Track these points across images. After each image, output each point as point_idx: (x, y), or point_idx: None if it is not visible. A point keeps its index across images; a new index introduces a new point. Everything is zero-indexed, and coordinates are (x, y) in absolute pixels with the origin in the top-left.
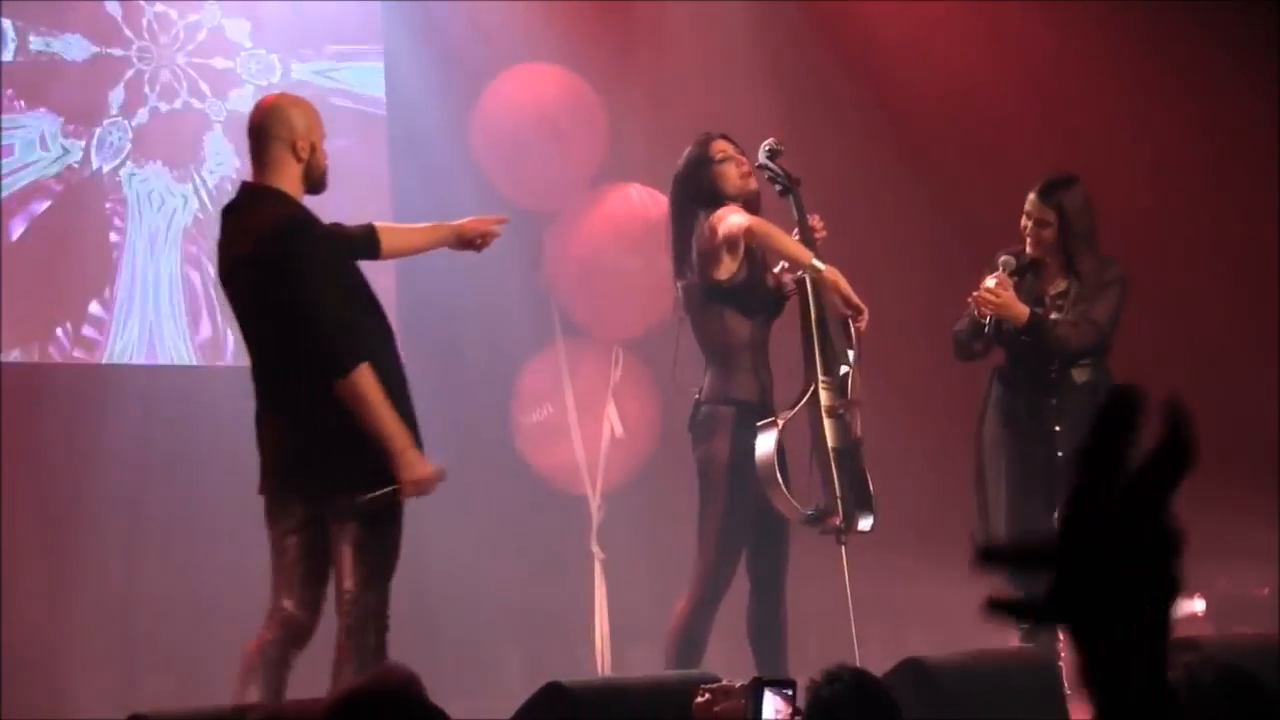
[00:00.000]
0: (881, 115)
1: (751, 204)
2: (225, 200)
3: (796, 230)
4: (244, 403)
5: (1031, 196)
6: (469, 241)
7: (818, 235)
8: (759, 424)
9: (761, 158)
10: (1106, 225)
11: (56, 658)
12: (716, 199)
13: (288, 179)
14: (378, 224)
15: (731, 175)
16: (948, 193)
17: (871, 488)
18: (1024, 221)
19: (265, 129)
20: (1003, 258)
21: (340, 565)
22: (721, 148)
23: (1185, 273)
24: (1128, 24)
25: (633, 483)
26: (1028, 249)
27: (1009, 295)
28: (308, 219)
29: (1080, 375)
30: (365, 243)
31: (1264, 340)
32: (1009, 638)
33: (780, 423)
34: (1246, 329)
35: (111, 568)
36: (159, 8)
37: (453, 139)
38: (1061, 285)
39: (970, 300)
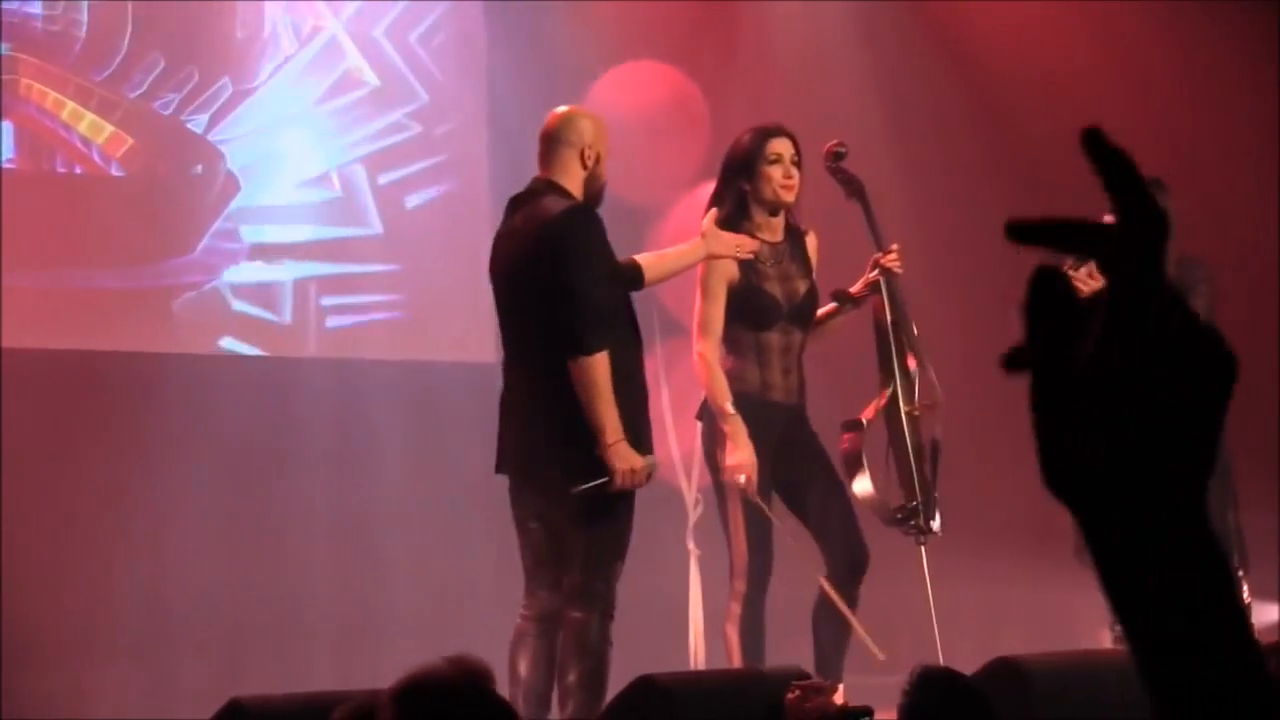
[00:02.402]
0: (984, 116)
1: (781, 216)
2: None
3: (869, 232)
4: (249, 391)
5: None
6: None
7: (895, 268)
8: (843, 422)
9: (828, 162)
10: (1199, 223)
11: (72, 649)
12: (746, 199)
13: (572, 182)
14: (638, 257)
15: (774, 179)
16: (1039, 191)
17: (937, 492)
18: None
19: (557, 134)
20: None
21: (569, 555)
22: (778, 149)
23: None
24: (1225, 22)
25: None
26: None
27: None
28: (593, 212)
29: None
30: (630, 276)
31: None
32: (1102, 638)
33: (864, 422)
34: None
35: (135, 558)
36: None
37: None
38: None
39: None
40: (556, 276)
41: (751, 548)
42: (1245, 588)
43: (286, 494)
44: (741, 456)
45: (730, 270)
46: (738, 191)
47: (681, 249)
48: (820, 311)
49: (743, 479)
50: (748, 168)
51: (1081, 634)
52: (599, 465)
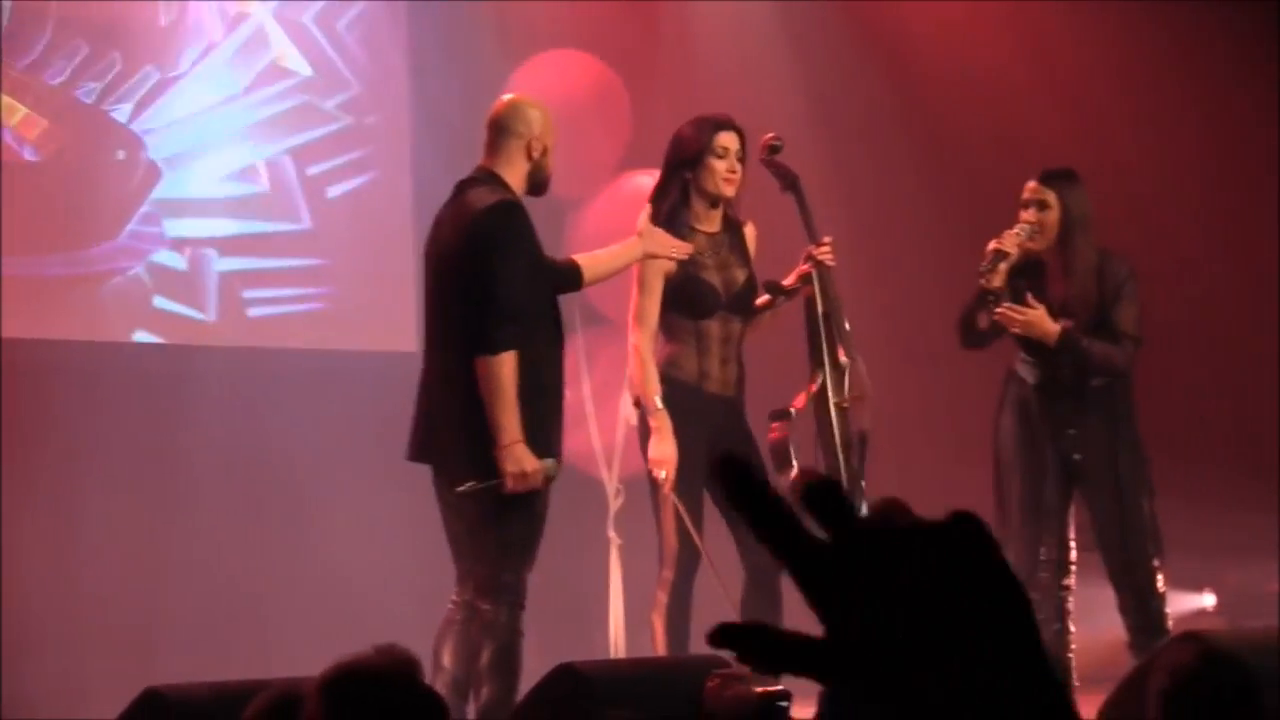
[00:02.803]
0: (903, 110)
1: (720, 208)
2: None
3: (803, 225)
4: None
5: (1031, 182)
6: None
7: (828, 260)
8: (771, 412)
9: (763, 154)
10: (1118, 219)
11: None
12: (687, 189)
13: (514, 173)
14: (576, 258)
15: (718, 172)
16: (968, 188)
17: (864, 484)
18: (1022, 213)
19: (505, 124)
20: (1001, 242)
21: (478, 546)
22: (725, 142)
23: (1191, 265)
24: (1148, 22)
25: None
26: (1023, 242)
27: (1037, 312)
28: (519, 209)
29: (1097, 379)
30: (569, 275)
31: (1273, 334)
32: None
33: (793, 411)
34: (1260, 317)
35: (119, 547)
36: None
37: (476, 125)
38: (1080, 288)
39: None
40: (474, 272)
41: (680, 540)
42: (1161, 578)
43: (202, 483)
44: (663, 451)
45: (667, 262)
46: (681, 181)
47: (616, 249)
48: (755, 303)
49: (662, 474)
50: (693, 159)
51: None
52: (490, 465)
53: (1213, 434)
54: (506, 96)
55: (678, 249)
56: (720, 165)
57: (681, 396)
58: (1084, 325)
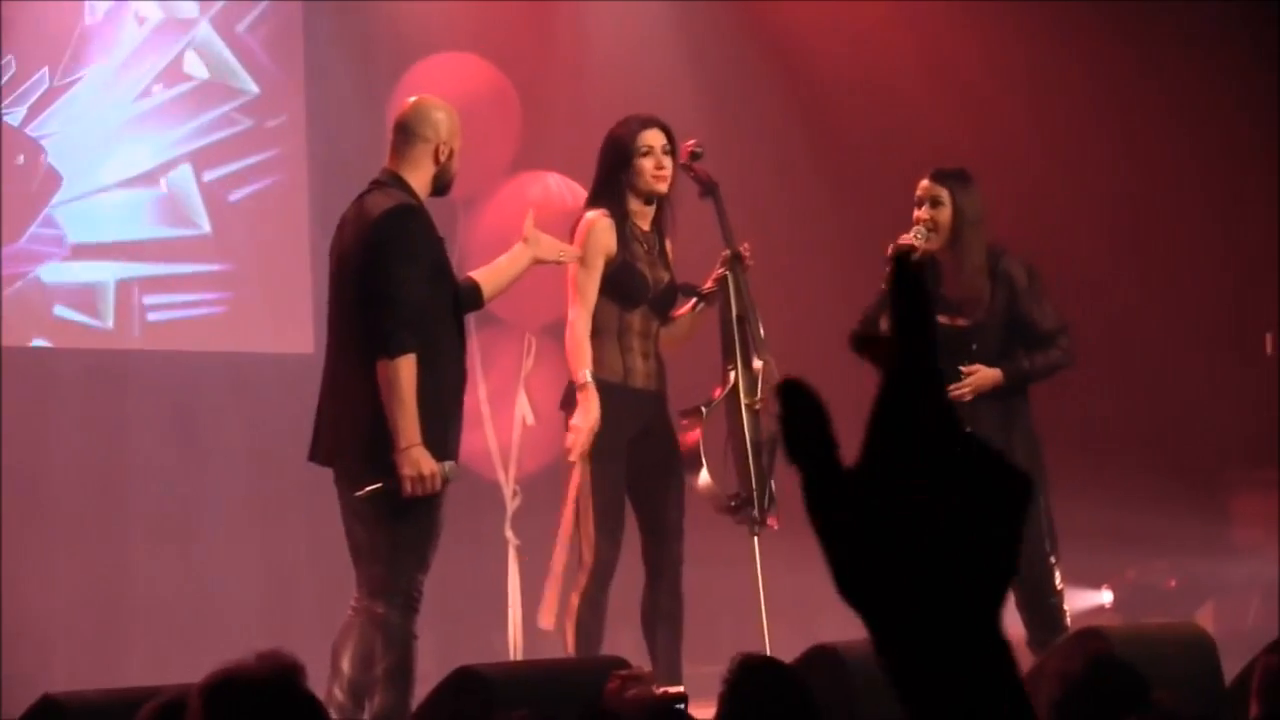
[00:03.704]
0: (799, 110)
1: (656, 204)
2: None
3: (721, 232)
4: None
5: (924, 181)
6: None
7: (747, 261)
8: (681, 410)
9: (683, 160)
10: (1013, 218)
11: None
12: (623, 187)
13: (420, 177)
14: (474, 274)
15: (646, 170)
16: (863, 188)
17: (773, 486)
18: (917, 212)
19: (412, 127)
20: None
21: (372, 548)
22: (649, 140)
23: (1087, 264)
24: (1039, 22)
25: (547, 469)
26: (920, 240)
27: (976, 374)
28: (419, 213)
29: (990, 376)
30: (470, 295)
31: (1174, 329)
32: None
33: (704, 410)
34: (1156, 315)
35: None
36: None
37: (371, 127)
38: (971, 287)
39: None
40: (373, 275)
41: (601, 542)
42: (1058, 575)
43: (100, 487)
44: (581, 420)
45: (609, 243)
46: (615, 181)
47: (505, 261)
48: (678, 310)
49: (570, 438)
50: (623, 159)
51: None
52: (393, 467)
53: (1111, 431)
54: (413, 98)
55: (565, 252)
56: (648, 163)
57: (608, 396)
58: (985, 325)
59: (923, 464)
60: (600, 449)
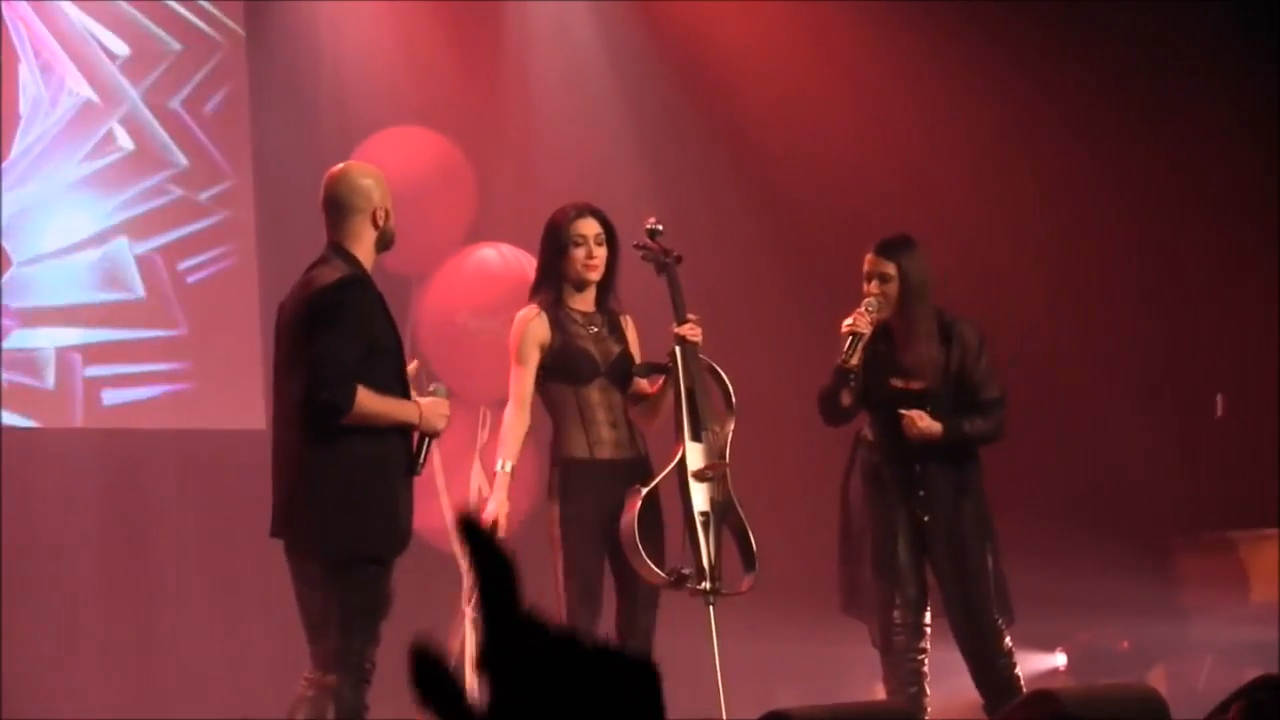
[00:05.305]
0: (743, 174)
1: (586, 290)
2: None
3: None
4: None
5: (869, 255)
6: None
7: (690, 339)
8: (627, 490)
9: (638, 242)
10: (961, 275)
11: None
12: (559, 274)
13: (363, 246)
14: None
15: (578, 259)
16: (807, 241)
17: (754, 546)
18: (866, 286)
19: (344, 200)
20: (854, 324)
21: (325, 618)
22: (582, 230)
23: (1034, 325)
24: (972, 80)
25: (505, 541)
26: (872, 318)
27: (925, 421)
28: (364, 285)
29: (931, 427)
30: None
31: (1122, 392)
32: (875, 690)
33: (642, 490)
34: (1103, 378)
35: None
36: None
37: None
38: (923, 351)
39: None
40: (308, 343)
41: (575, 604)
42: (1009, 639)
43: (54, 562)
44: (490, 508)
45: (540, 335)
46: (553, 267)
47: (395, 406)
48: (649, 388)
49: (488, 524)
50: (559, 247)
51: (852, 684)
52: (350, 530)
53: (1062, 495)
54: (335, 170)
55: (447, 419)
56: (579, 253)
57: (578, 474)
58: (936, 392)
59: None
60: (573, 527)
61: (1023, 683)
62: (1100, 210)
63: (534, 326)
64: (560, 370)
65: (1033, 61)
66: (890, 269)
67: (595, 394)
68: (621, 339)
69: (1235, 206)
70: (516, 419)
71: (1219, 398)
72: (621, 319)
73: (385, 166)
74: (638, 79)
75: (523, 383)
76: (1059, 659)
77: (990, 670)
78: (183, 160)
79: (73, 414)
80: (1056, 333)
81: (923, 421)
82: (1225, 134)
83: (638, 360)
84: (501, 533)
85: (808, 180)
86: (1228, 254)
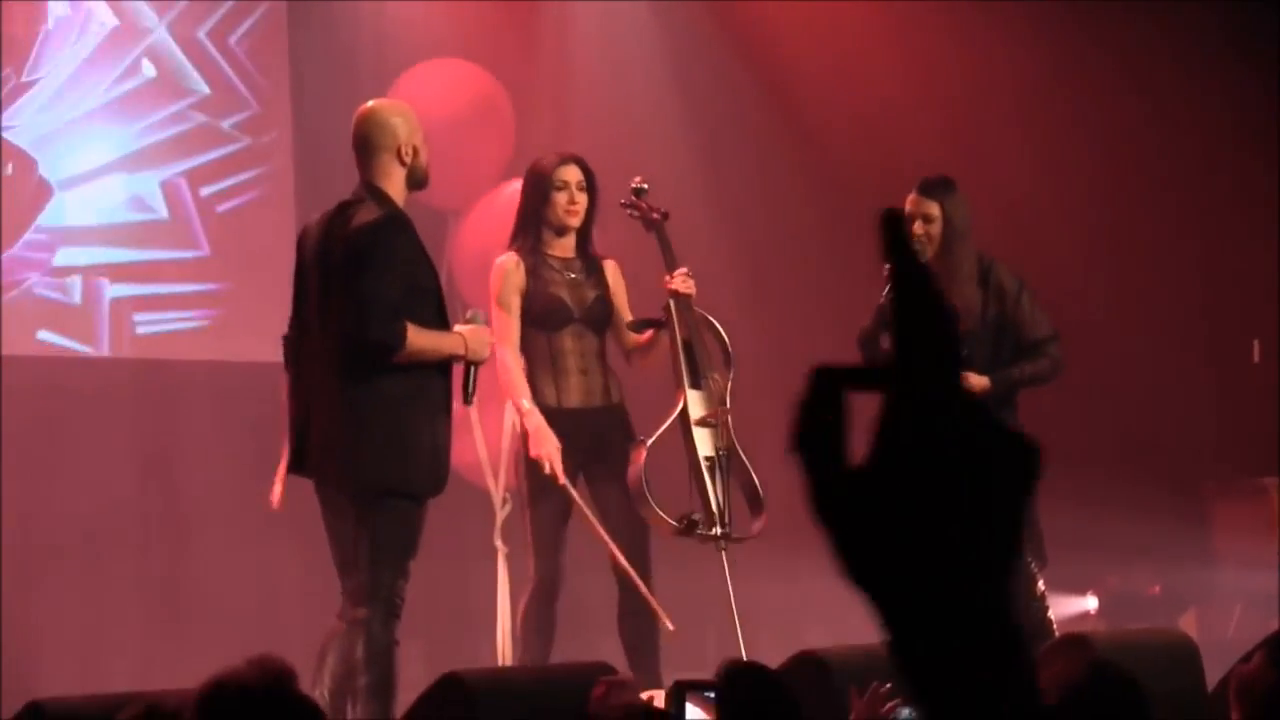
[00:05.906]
0: (781, 118)
1: (566, 235)
2: None
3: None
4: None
5: (911, 195)
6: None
7: (683, 291)
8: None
9: (625, 200)
10: (996, 225)
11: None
12: (539, 220)
13: (394, 184)
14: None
15: (559, 204)
16: (847, 192)
17: (760, 490)
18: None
19: (371, 139)
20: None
21: (356, 554)
22: (564, 176)
23: (1072, 271)
24: (1021, 29)
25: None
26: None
27: (969, 376)
28: (402, 223)
29: (978, 383)
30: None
31: (1158, 337)
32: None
33: (646, 441)
34: (1139, 323)
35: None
36: None
37: None
38: (962, 296)
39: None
40: (360, 286)
41: (540, 549)
42: (1041, 583)
43: (87, 493)
44: (542, 448)
45: (518, 280)
46: (533, 214)
47: (437, 335)
48: (640, 339)
49: (548, 468)
50: (541, 193)
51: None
52: (386, 469)
53: (1095, 440)
54: (363, 109)
55: (490, 345)
56: (561, 197)
57: (547, 421)
58: (976, 334)
59: (936, 451)
60: (539, 473)
61: (1055, 626)
62: (1137, 157)
63: (510, 273)
64: (533, 317)
65: (1078, 10)
66: (934, 209)
67: (568, 340)
68: (600, 284)
69: (1275, 150)
70: (513, 360)
71: (1255, 343)
72: (604, 263)
73: (425, 99)
74: (678, 31)
75: (508, 326)
76: (1090, 602)
77: (1023, 613)
78: (227, 99)
79: (99, 334)
80: (1091, 279)
81: (969, 380)
82: (1267, 77)
83: (621, 304)
84: (558, 468)
85: (851, 134)
86: (1266, 199)
